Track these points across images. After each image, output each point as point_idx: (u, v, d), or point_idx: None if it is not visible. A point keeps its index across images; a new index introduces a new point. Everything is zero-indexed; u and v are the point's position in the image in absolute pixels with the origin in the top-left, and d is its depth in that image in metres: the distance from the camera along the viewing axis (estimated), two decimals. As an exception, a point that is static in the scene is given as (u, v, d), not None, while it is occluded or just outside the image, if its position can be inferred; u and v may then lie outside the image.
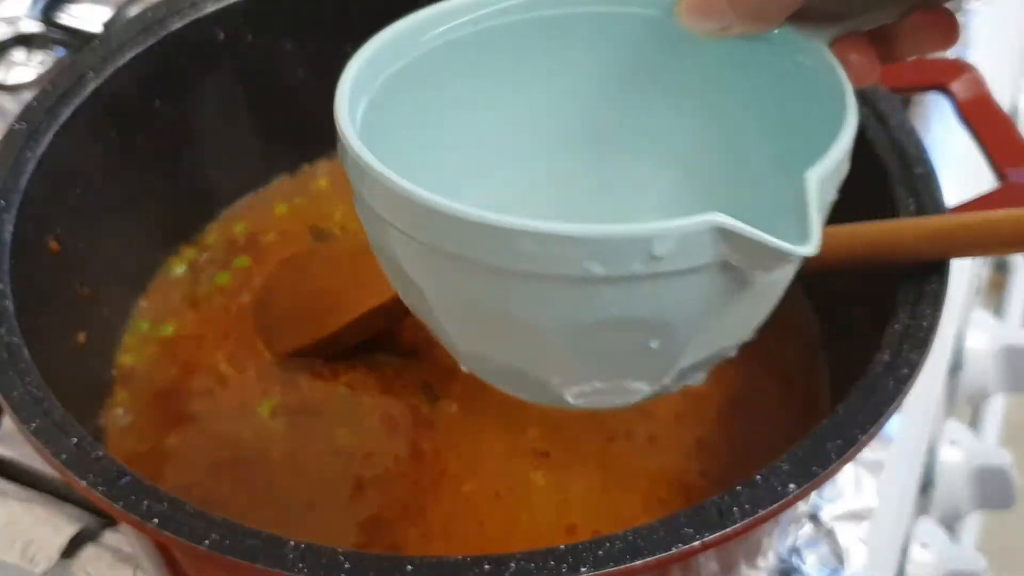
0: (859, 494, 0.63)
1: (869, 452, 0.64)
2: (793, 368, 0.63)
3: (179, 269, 0.69)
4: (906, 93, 0.73)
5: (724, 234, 0.36)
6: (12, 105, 0.85)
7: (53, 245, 0.59)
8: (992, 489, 0.76)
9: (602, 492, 0.58)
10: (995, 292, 0.99)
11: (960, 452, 0.75)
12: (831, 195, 0.42)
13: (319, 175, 0.74)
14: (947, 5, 0.44)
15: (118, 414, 0.62)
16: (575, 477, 0.58)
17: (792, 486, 0.45)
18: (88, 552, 0.61)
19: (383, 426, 0.61)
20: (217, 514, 0.44)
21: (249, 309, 0.66)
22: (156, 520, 0.44)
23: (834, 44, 0.43)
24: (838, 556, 0.61)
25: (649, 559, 0.42)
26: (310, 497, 0.58)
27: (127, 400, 0.63)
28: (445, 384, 0.62)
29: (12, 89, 0.87)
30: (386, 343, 0.64)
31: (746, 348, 0.63)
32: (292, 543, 0.43)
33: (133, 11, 0.90)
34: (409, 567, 0.42)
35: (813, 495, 0.62)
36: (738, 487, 0.44)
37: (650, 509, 0.57)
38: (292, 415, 0.62)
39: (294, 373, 0.63)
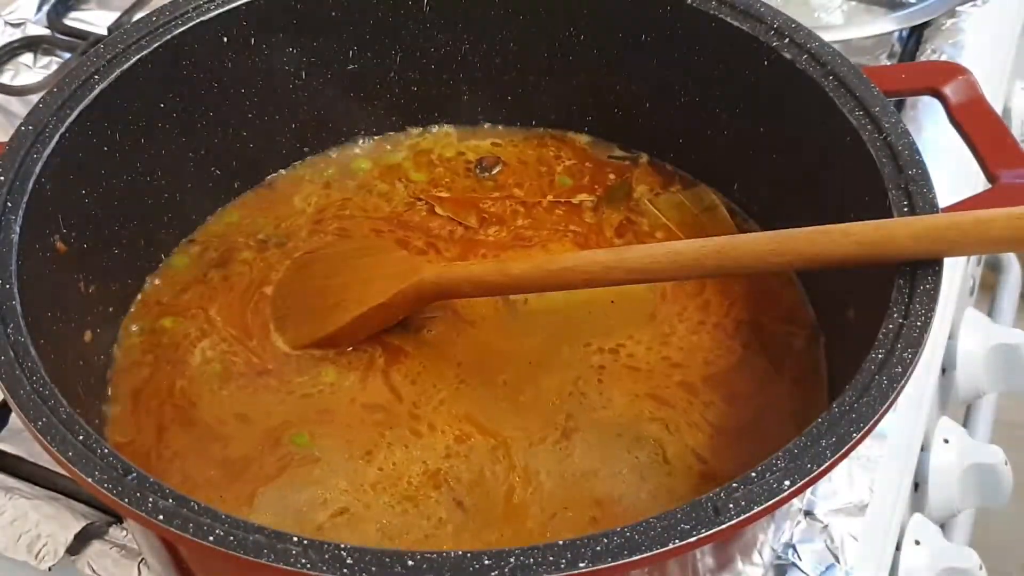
0: (853, 491, 0.63)
1: (863, 449, 0.64)
2: (791, 366, 0.64)
3: (182, 265, 0.70)
4: (900, 96, 0.74)
5: None
6: (19, 108, 0.86)
7: (60, 246, 0.59)
8: (985, 486, 0.76)
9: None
10: (987, 292, 1.00)
11: (953, 450, 0.75)
12: None
13: (319, 174, 0.75)
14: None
15: (118, 406, 0.63)
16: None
17: (787, 483, 0.45)
18: (94, 548, 0.61)
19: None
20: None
21: (267, 303, 0.67)
22: (161, 516, 0.44)
23: None
24: (833, 552, 0.61)
25: (646, 554, 0.43)
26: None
27: (128, 392, 0.63)
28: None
29: (19, 92, 0.87)
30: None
31: (746, 347, 0.64)
32: (295, 538, 0.43)
33: (138, 15, 0.91)
34: (410, 562, 0.43)
35: (808, 491, 0.62)
36: (734, 484, 0.45)
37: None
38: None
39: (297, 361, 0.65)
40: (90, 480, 0.46)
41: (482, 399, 0.62)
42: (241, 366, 0.64)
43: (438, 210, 0.72)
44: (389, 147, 0.76)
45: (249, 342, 0.65)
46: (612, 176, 0.74)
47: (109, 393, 0.64)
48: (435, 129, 0.77)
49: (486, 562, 0.43)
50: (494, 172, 0.74)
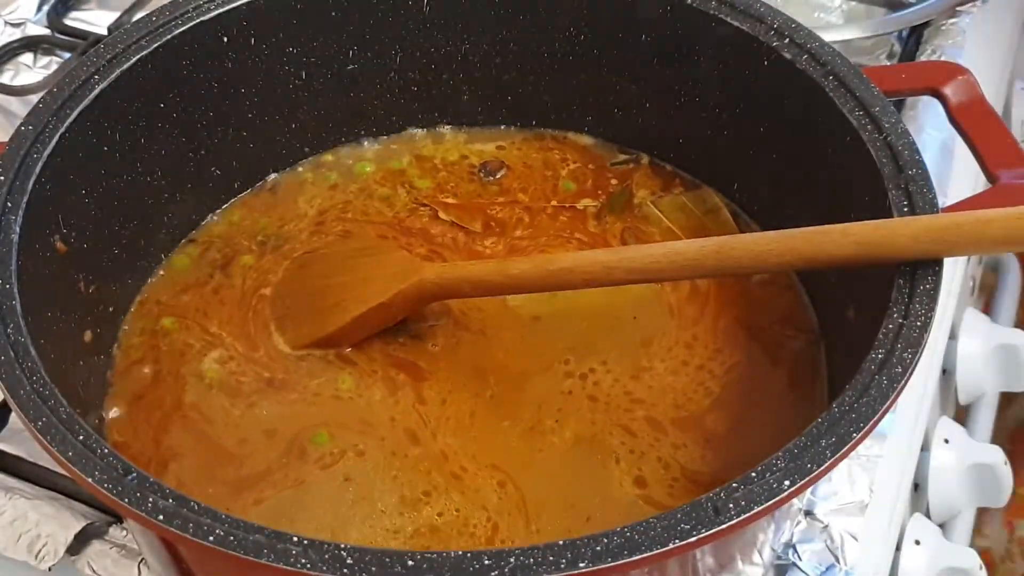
0: (853, 491, 0.63)
1: (863, 449, 0.64)
2: (792, 365, 0.64)
3: (183, 265, 0.70)
4: (900, 96, 0.74)
5: None
6: (19, 108, 0.86)
7: (60, 246, 0.59)
8: (985, 486, 0.76)
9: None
10: (987, 292, 1.00)
11: (953, 450, 0.75)
12: None
13: (322, 176, 0.75)
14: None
15: (119, 407, 0.63)
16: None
17: (787, 483, 0.45)
18: (94, 548, 0.61)
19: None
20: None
21: (267, 303, 0.67)
22: (161, 516, 0.45)
23: None
24: (833, 552, 0.61)
25: (646, 554, 0.43)
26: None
27: (129, 393, 0.63)
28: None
29: (19, 92, 0.88)
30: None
31: (748, 345, 0.64)
32: (295, 538, 0.43)
33: (138, 15, 0.91)
34: (410, 562, 0.43)
35: (808, 491, 0.62)
36: (734, 484, 0.45)
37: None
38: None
39: (299, 363, 0.65)
40: (90, 480, 0.46)
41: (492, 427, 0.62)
42: (249, 380, 0.64)
43: (442, 215, 0.72)
44: (392, 148, 0.76)
45: (255, 352, 0.65)
46: (614, 181, 0.74)
47: (108, 389, 0.64)
48: (436, 130, 0.77)
49: (486, 562, 0.43)
50: (498, 176, 0.74)
